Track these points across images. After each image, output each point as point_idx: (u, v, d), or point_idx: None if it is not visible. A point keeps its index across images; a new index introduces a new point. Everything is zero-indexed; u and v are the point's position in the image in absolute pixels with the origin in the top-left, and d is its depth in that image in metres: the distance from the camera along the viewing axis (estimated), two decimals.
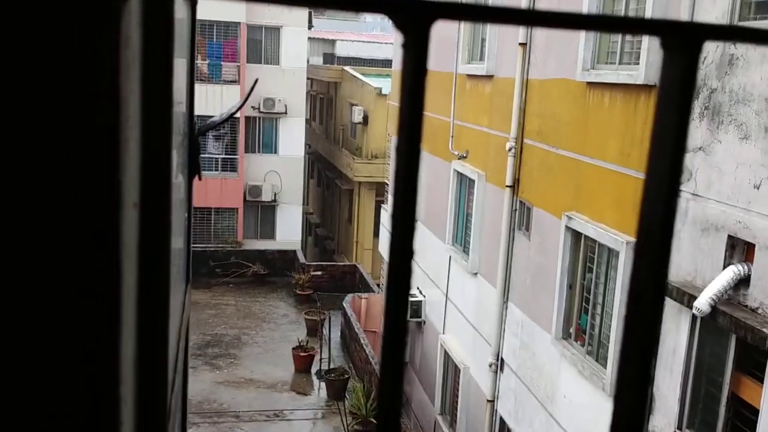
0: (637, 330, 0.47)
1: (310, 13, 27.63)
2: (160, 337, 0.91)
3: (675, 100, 0.39)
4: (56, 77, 0.51)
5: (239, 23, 25.46)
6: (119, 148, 0.52)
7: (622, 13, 8.48)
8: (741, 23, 6.53)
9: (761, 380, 6.11)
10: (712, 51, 6.76)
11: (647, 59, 7.66)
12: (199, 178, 1.79)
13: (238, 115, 24.92)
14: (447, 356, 13.81)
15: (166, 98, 0.78)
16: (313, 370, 17.85)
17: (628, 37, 8.45)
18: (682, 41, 0.39)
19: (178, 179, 1.40)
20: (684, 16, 7.12)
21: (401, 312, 0.44)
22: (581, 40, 9.02)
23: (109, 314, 0.59)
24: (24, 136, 0.52)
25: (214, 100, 23.87)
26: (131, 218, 0.60)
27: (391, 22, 0.39)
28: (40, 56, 0.50)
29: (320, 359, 17.66)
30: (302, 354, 17.85)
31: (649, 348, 0.47)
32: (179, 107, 1.41)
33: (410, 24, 0.37)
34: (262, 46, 26.61)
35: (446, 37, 13.83)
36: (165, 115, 0.78)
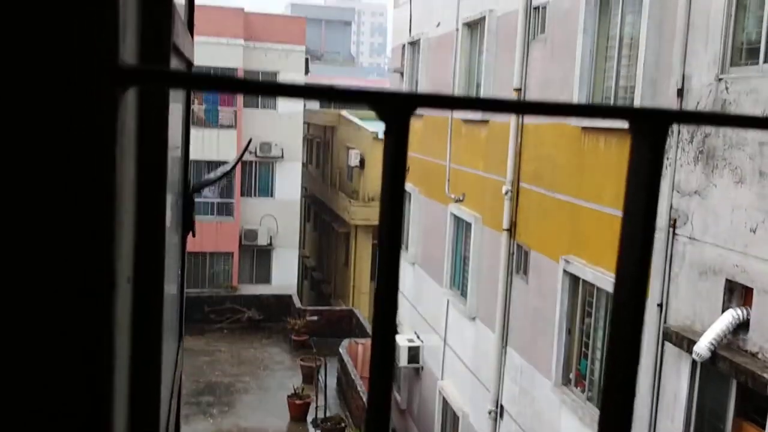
0: (619, 365, 0.48)
1: (306, 59, 28.01)
2: (152, 404, 0.90)
3: (643, 180, 0.40)
4: (54, 162, 0.52)
5: (236, 69, 25.80)
6: (113, 231, 0.53)
7: (615, 70, 8.60)
8: (732, 68, 6.63)
9: (763, 426, 6.04)
10: (704, 95, 6.84)
11: (641, 104, 7.75)
12: (193, 235, 1.80)
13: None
14: (445, 403, 13.64)
15: (160, 180, 0.79)
16: (309, 418, 17.56)
17: (622, 83, 8.57)
18: (649, 126, 0.41)
19: (172, 239, 1.40)
20: (676, 62, 7.23)
21: (388, 358, 0.45)
22: (575, 85, 9.13)
23: (100, 382, 0.59)
24: (16, 213, 0.52)
25: (210, 145, 24.15)
26: (124, 293, 0.60)
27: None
28: (38, 144, 0.50)
29: (316, 407, 17.40)
30: (298, 402, 17.59)
31: (631, 380, 0.48)
32: (174, 152, 1.42)
33: (391, 114, 0.40)
34: None
35: (443, 82, 13.99)
36: (159, 197, 0.79)
